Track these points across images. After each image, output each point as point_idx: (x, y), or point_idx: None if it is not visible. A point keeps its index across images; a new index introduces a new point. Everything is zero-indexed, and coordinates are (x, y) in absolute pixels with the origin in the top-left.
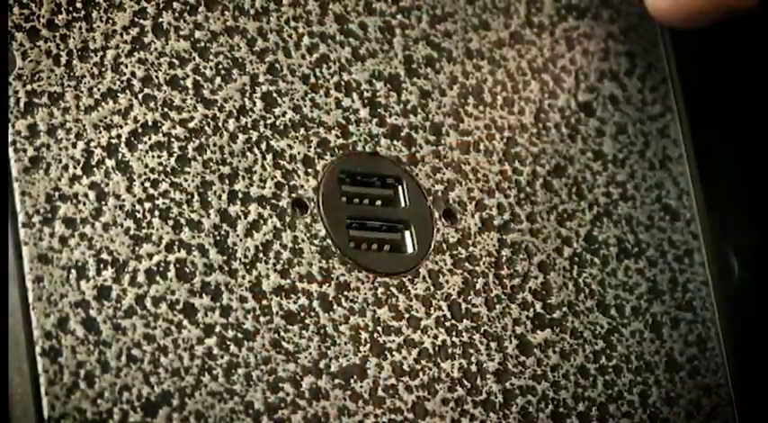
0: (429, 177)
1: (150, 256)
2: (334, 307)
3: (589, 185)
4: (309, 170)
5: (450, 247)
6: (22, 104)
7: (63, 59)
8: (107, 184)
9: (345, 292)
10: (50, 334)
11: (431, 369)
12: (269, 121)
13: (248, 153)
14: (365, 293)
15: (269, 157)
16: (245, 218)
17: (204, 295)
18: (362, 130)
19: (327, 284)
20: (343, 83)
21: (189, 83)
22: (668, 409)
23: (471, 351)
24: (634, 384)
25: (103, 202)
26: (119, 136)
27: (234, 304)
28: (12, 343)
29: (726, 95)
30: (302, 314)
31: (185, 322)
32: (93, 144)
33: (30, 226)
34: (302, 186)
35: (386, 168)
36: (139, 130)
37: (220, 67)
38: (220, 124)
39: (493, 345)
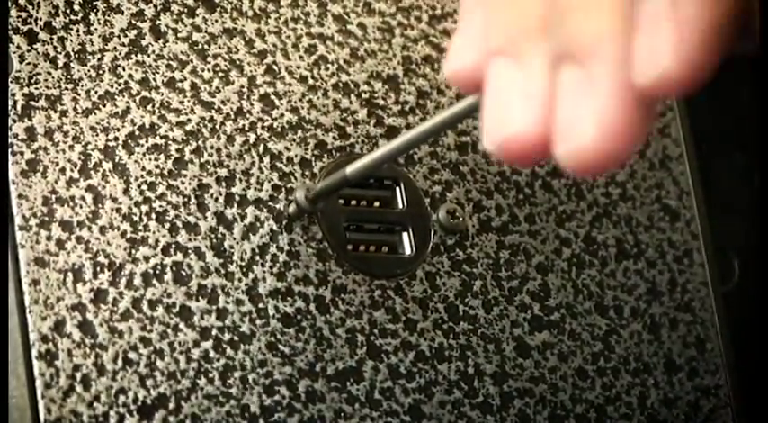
0: (427, 178)
1: (147, 259)
2: (331, 309)
3: (588, 186)
4: (307, 172)
5: (447, 248)
6: (19, 107)
7: (61, 62)
8: (104, 187)
9: (342, 295)
10: (47, 337)
11: (428, 372)
12: (267, 123)
13: (245, 155)
14: (362, 296)
15: (266, 159)
16: (242, 221)
17: (201, 298)
18: (360, 131)
19: (324, 287)
20: (341, 84)
21: (187, 85)
22: (667, 410)
23: (469, 353)
24: (632, 386)
25: (100, 205)
26: (116, 139)
27: (230, 307)
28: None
29: (726, 95)
30: (298, 317)
31: (182, 325)
32: (90, 147)
33: (27, 229)
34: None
35: (383, 170)
36: (137, 133)
37: (218, 69)
38: (218, 126)
39: (491, 347)
